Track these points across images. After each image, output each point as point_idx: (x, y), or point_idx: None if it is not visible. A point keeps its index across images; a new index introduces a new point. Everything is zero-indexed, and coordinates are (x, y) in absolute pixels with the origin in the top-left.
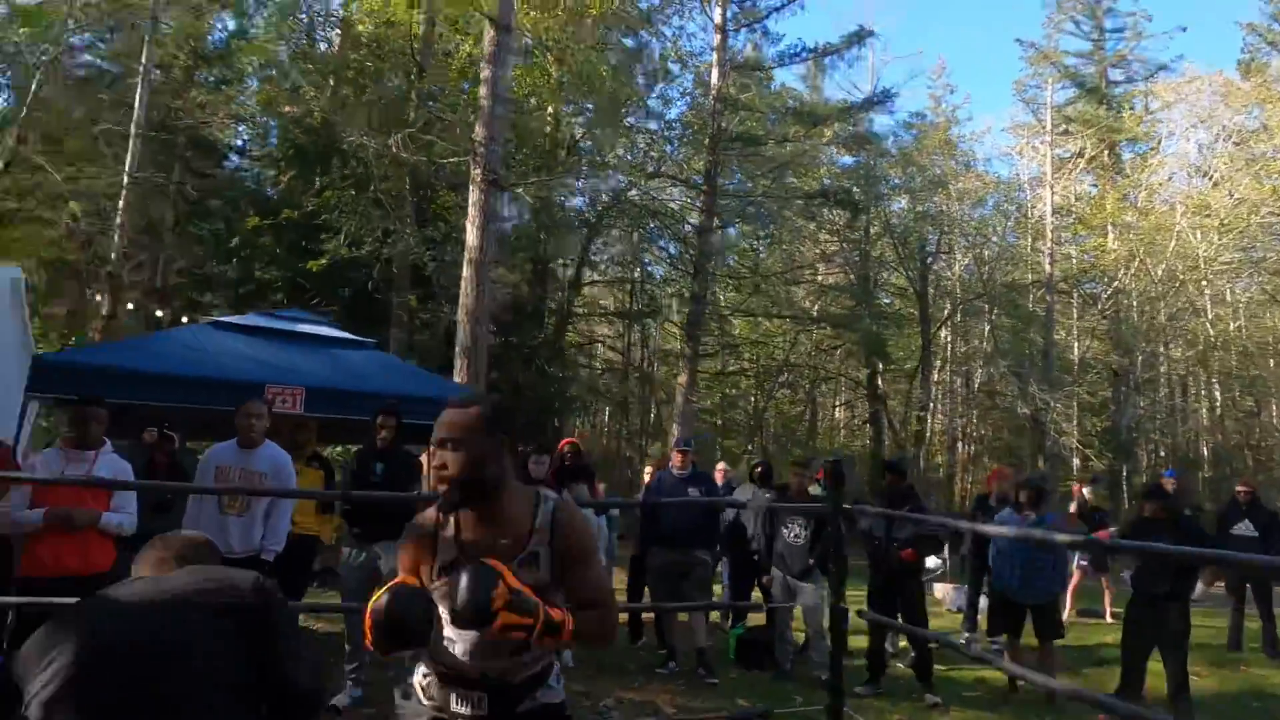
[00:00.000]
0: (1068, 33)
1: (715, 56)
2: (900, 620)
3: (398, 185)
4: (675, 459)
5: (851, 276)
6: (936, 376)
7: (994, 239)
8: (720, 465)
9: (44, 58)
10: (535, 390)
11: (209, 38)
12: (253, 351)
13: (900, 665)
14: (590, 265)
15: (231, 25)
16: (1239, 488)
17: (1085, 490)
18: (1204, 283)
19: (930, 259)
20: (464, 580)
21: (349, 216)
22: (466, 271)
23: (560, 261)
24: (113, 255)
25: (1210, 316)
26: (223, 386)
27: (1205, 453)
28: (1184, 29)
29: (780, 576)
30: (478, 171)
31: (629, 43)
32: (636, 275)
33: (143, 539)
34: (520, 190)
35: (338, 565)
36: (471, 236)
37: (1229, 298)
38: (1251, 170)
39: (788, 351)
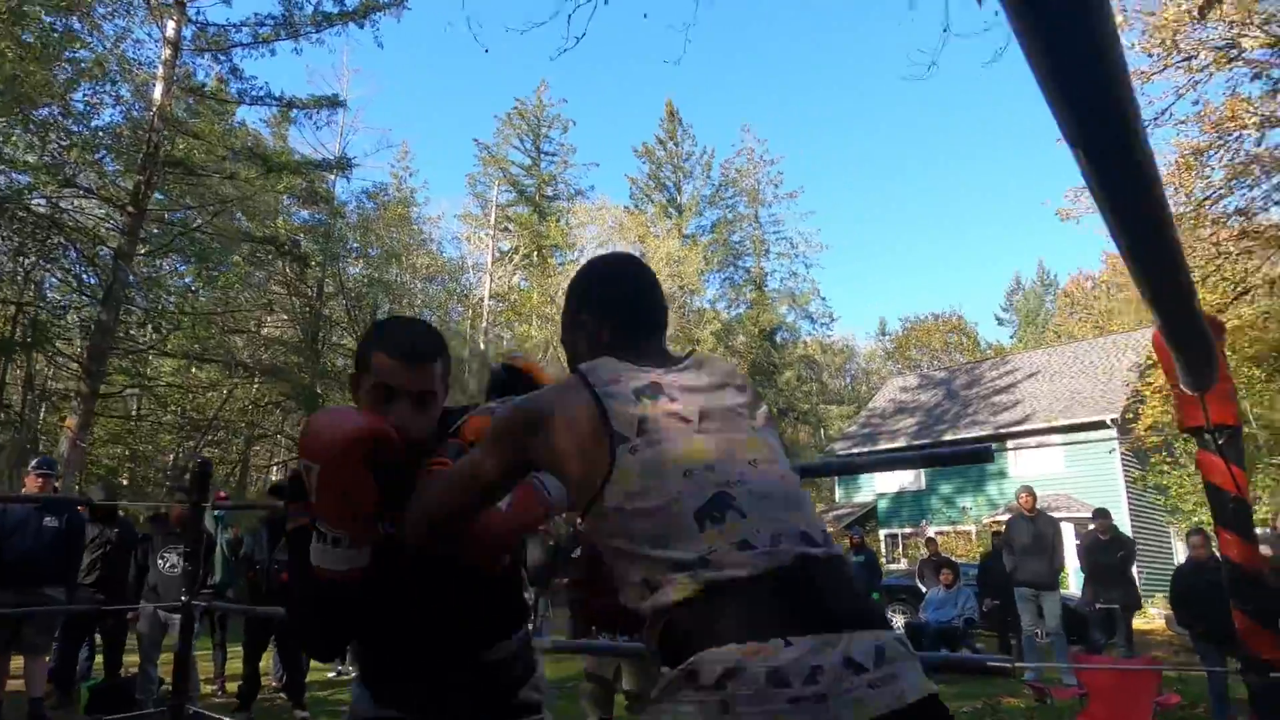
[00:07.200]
0: (514, 146)
1: (161, 71)
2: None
3: None
4: (29, 482)
5: (299, 332)
6: None
7: (440, 314)
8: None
9: None
10: None
11: None
12: None
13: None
14: None
15: None
16: None
17: None
18: None
19: None
20: None
21: None
22: None
23: None
24: None
25: None
26: None
27: None
28: (597, 164)
29: (151, 610)
30: None
31: (50, 20)
32: (24, 296)
33: None
34: None
35: None
36: None
37: None
38: None
39: (222, 404)
